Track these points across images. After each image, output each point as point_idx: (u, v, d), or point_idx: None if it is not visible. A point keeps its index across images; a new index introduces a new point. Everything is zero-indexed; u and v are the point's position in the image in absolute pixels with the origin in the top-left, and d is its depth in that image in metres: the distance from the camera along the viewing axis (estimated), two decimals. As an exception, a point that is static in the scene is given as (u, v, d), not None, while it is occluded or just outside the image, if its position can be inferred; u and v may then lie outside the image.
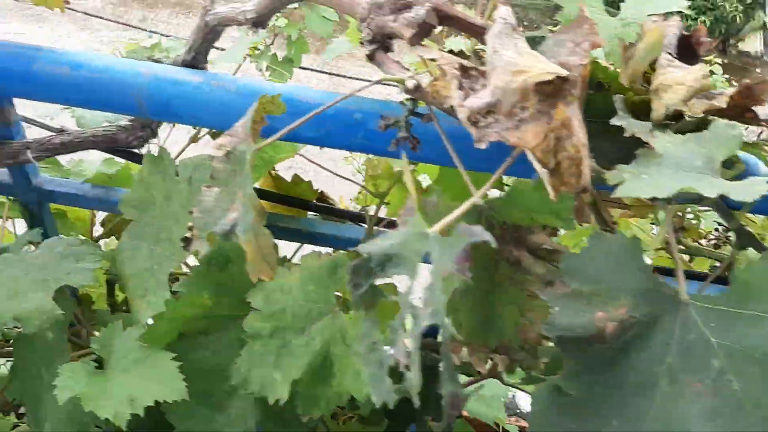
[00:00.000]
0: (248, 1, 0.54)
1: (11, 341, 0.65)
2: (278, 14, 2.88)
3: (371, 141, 0.55)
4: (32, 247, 0.67)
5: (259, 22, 0.53)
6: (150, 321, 0.58)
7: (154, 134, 0.64)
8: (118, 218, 0.87)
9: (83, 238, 0.66)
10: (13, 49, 0.55)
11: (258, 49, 3.02)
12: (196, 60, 0.57)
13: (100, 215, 0.88)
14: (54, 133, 0.62)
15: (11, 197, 0.69)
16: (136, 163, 0.67)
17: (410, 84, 0.44)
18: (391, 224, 0.68)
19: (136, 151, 0.66)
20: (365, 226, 0.68)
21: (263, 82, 0.57)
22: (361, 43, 0.49)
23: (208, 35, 0.56)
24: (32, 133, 0.64)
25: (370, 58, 0.48)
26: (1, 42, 0.56)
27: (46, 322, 0.56)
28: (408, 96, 0.47)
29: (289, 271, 0.57)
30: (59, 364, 0.60)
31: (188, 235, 0.55)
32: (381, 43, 0.48)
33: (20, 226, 0.88)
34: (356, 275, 0.41)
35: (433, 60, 0.46)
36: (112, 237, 0.88)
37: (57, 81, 0.55)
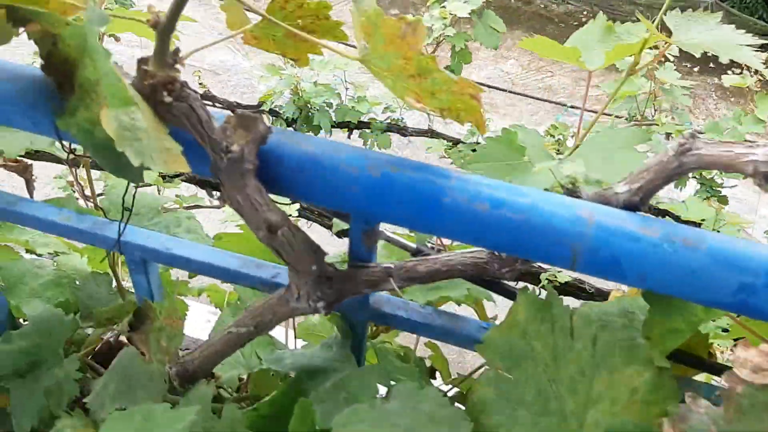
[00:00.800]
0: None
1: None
2: (446, 23, 2.75)
3: None
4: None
5: (777, 175, 0.38)
6: None
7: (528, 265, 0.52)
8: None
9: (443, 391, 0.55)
10: (422, 173, 0.44)
11: (417, 59, 2.91)
12: (641, 202, 0.44)
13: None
14: (416, 259, 0.52)
15: (337, 312, 0.59)
16: (503, 295, 0.55)
17: None
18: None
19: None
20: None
21: (740, 243, 0.42)
22: None
23: (673, 177, 0.43)
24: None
25: None
26: (412, 163, 0.45)
27: None
28: None
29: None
30: None
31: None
32: None
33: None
34: None
35: None
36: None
37: (473, 219, 0.44)
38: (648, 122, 2.61)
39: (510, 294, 0.53)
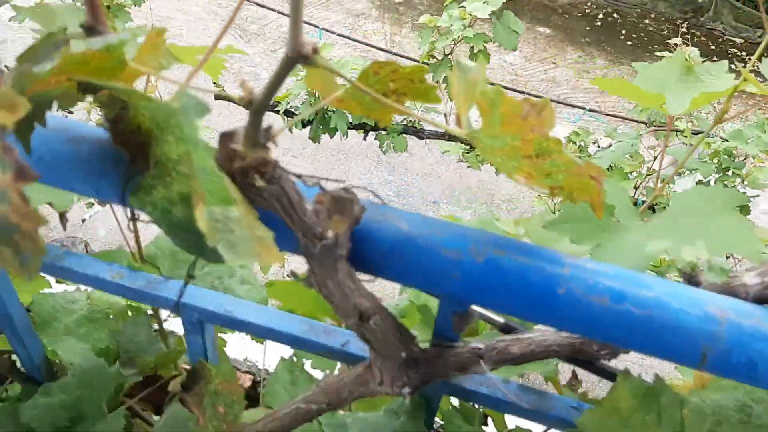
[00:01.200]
0: None
1: None
2: (466, 24, 2.69)
3: None
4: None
5: None
6: None
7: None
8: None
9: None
10: (531, 259, 0.40)
11: (434, 57, 2.86)
12: (774, 296, 0.40)
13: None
14: (508, 339, 0.47)
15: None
16: (600, 375, 0.50)
17: None
18: None
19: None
20: None
21: None
22: None
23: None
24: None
25: None
26: (518, 246, 0.41)
27: None
28: None
29: None
30: None
31: None
32: None
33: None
34: None
35: None
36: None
37: (590, 312, 0.39)
38: (666, 128, 2.55)
39: (607, 374, 0.49)
